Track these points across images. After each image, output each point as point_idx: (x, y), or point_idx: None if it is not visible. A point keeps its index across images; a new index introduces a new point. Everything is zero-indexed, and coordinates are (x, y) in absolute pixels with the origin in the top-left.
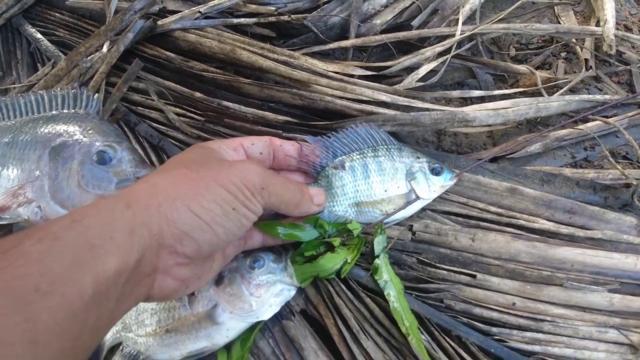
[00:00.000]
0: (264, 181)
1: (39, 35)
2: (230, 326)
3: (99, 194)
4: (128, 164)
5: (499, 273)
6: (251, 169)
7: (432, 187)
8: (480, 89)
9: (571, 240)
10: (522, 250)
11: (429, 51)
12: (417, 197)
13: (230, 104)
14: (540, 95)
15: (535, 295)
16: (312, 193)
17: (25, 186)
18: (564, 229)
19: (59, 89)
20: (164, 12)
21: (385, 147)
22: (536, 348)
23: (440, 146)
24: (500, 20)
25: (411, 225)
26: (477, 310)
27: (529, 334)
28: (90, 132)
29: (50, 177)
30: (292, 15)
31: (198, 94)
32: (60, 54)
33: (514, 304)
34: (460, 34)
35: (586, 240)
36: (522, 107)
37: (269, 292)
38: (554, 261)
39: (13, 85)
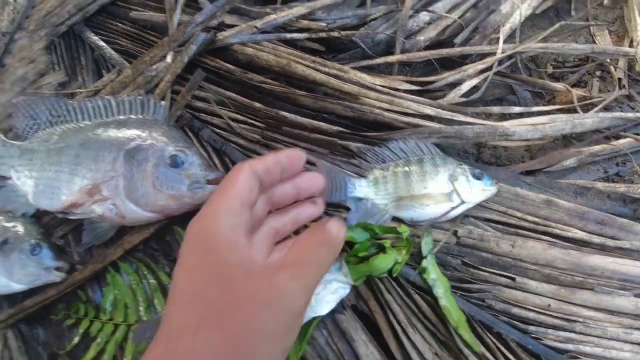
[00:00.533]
0: (307, 291)
1: (102, 43)
2: None
3: (171, 194)
4: (198, 167)
5: (536, 277)
6: (292, 294)
7: (473, 189)
8: (520, 105)
9: (602, 249)
10: (558, 257)
11: (471, 68)
12: (459, 198)
13: (287, 114)
14: (576, 112)
15: (568, 298)
16: (331, 234)
17: (101, 185)
18: (596, 239)
19: (125, 95)
20: (221, 26)
21: (430, 155)
22: (569, 346)
23: (479, 158)
24: (539, 40)
25: (456, 231)
26: (516, 310)
27: (562, 334)
28: (162, 137)
29: (125, 177)
30: (342, 32)
31: (257, 104)
32: (125, 62)
33: (549, 305)
34: (501, 53)
35: (616, 250)
36: (558, 124)
37: (326, 290)
38: (586, 268)
39: (79, 90)
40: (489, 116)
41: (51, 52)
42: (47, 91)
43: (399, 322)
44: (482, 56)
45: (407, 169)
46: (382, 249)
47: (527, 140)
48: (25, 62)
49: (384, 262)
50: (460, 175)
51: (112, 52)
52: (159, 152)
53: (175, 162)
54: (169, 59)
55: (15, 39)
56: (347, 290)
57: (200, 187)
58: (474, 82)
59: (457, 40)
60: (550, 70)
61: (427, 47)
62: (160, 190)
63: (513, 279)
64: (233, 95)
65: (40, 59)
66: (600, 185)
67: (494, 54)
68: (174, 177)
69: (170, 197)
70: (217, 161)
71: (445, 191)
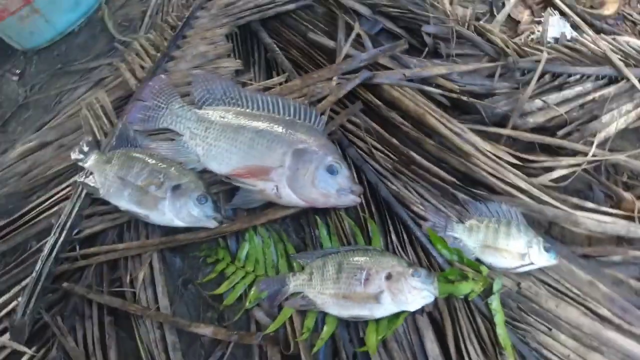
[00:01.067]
0: None
1: (276, 48)
2: (387, 308)
3: (323, 193)
4: (347, 179)
5: (566, 333)
6: None
7: (542, 257)
8: (593, 201)
9: (617, 328)
10: (586, 324)
11: (564, 160)
12: (530, 260)
13: (416, 156)
14: (633, 221)
15: (583, 355)
16: None
17: (270, 169)
18: (616, 320)
19: (291, 99)
20: (376, 65)
21: (517, 222)
22: None
23: (549, 232)
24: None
25: (519, 282)
26: (545, 352)
27: None
28: (324, 146)
29: (290, 169)
30: (470, 98)
31: (394, 141)
32: (294, 70)
33: (568, 356)
34: (592, 156)
35: (627, 332)
36: (618, 227)
37: (420, 294)
38: (603, 338)
39: (250, 82)
40: (564, 201)
41: (229, 41)
42: (223, 74)
43: (461, 333)
44: (575, 152)
45: (496, 226)
46: (465, 278)
47: (591, 231)
48: (206, 41)
49: (464, 288)
50: (535, 244)
51: (284, 58)
52: (321, 158)
53: (332, 169)
54: (334, 82)
55: (197, 15)
56: (432, 299)
57: (345, 194)
58: (564, 172)
59: (560, 132)
60: (624, 178)
61: (533, 129)
62: (317, 188)
63: (550, 329)
64: (375, 126)
65: (220, 43)
66: (632, 282)
67: (585, 153)
68: (328, 181)
69: (321, 194)
70: (355, 176)
71: (521, 252)
